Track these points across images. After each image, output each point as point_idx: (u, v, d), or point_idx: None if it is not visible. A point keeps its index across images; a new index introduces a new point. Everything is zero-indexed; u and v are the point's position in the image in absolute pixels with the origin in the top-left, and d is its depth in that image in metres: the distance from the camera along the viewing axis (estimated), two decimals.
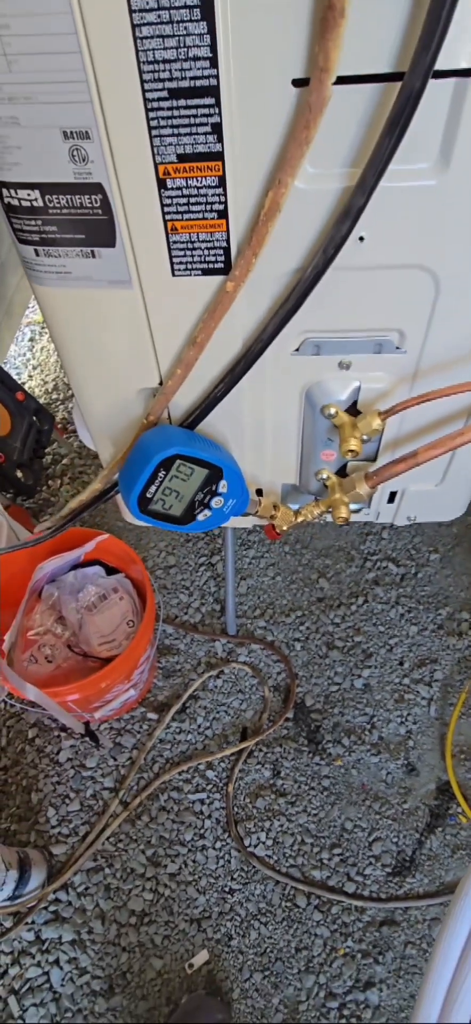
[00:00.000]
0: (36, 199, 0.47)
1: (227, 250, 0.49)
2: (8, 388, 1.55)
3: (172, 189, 0.45)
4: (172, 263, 0.50)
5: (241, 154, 0.43)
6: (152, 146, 0.43)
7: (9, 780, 1.21)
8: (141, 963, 1.03)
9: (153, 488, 0.59)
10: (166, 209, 0.46)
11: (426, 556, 1.46)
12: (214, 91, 0.40)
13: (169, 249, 0.49)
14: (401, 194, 0.44)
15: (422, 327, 0.54)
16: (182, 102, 0.40)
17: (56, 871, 1.10)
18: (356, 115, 0.41)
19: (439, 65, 0.36)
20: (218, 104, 0.40)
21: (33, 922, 1.06)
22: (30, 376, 1.91)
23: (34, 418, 1.60)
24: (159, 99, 0.40)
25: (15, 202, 0.47)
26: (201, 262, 0.50)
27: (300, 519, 0.72)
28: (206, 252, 0.49)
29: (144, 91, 0.40)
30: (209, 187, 0.45)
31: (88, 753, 1.22)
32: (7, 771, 1.22)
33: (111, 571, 1.27)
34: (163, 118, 0.41)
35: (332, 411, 0.62)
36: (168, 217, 0.47)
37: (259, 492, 0.76)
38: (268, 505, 0.72)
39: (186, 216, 0.47)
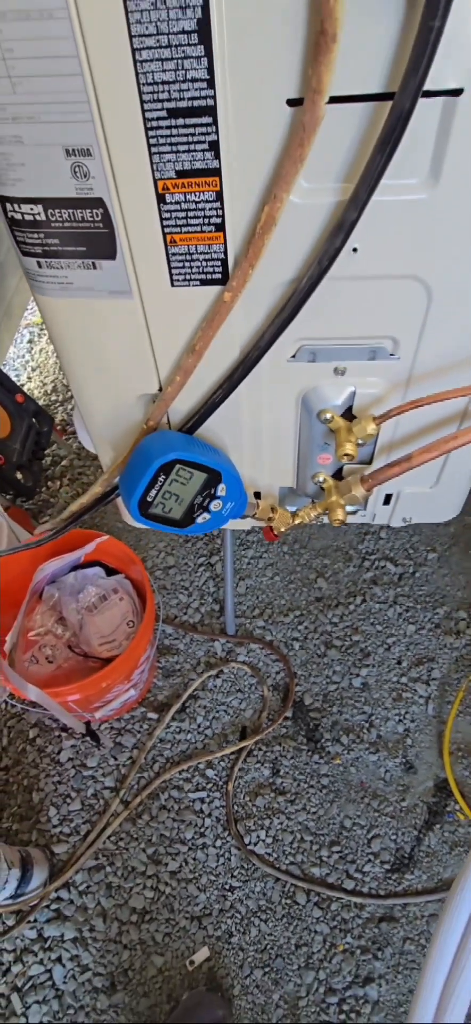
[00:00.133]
0: (39, 213, 0.48)
1: (224, 261, 0.50)
2: (7, 390, 1.56)
3: (171, 203, 0.47)
4: (171, 274, 0.51)
5: (238, 170, 0.44)
6: (151, 163, 0.44)
7: (11, 780, 1.21)
8: (142, 960, 1.04)
9: (153, 492, 0.61)
10: (165, 223, 0.48)
11: (424, 555, 1.47)
12: (211, 111, 0.41)
13: (168, 261, 0.50)
14: (393, 208, 0.46)
15: (415, 335, 0.56)
16: (180, 121, 0.42)
17: (58, 870, 1.11)
18: (349, 133, 0.42)
19: (428, 85, 0.37)
20: (215, 123, 0.42)
21: (35, 920, 1.07)
22: (29, 378, 1.92)
23: (33, 420, 1.61)
24: (158, 118, 0.42)
25: (18, 216, 0.49)
26: (199, 273, 0.51)
27: (297, 521, 0.73)
28: (204, 263, 0.50)
29: (144, 111, 0.41)
30: (207, 202, 0.46)
31: (89, 753, 1.23)
32: (8, 771, 1.22)
33: (111, 572, 1.28)
34: (162, 136, 0.43)
35: (328, 416, 0.63)
36: (167, 230, 0.48)
37: (257, 495, 0.77)
38: (266, 507, 0.73)
39: (185, 229, 0.48)
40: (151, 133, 0.43)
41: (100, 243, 0.49)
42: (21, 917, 1.07)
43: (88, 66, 0.39)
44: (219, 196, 0.46)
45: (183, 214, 0.47)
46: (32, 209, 0.48)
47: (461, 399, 0.60)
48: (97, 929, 1.06)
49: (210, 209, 0.47)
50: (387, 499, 0.78)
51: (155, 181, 0.45)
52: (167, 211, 0.47)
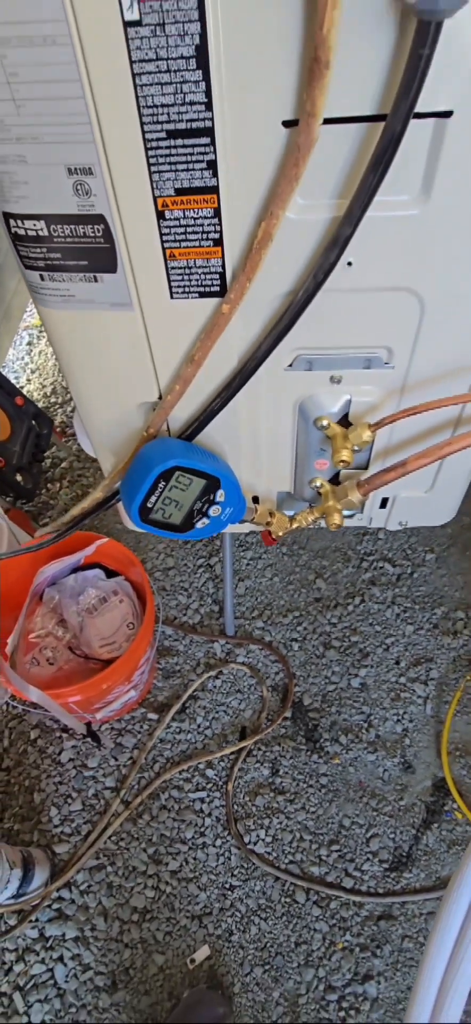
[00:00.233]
0: (41, 229, 0.49)
1: (222, 275, 0.51)
2: (7, 393, 1.56)
3: (170, 220, 0.48)
4: (170, 287, 0.53)
5: (235, 188, 0.46)
6: (151, 181, 0.45)
7: (12, 781, 1.22)
8: (143, 959, 1.05)
9: (153, 498, 0.62)
10: (165, 238, 0.49)
11: (422, 556, 1.48)
12: (209, 132, 0.42)
13: (167, 274, 0.52)
14: (386, 223, 0.47)
15: (409, 344, 0.57)
16: (179, 142, 0.43)
17: (59, 869, 1.12)
18: (343, 152, 0.44)
19: (419, 107, 0.38)
20: (213, 143, 0.43)
21: (37, 920, 1.08)
22: (28, 380, 1.92)
23: (33, 422, 1.61)
24: (158, 139, 0.43)
25: (21, 231, 0.50)
26: (198, 286, 0.52)
27: (295, 525, 0.74)
28: (203, 277, 0.51)
29: (144, 132, 0.43)
30: (205, 218, 0.47)
31: (90, 753, 1.24)
32: (10, 772, 1.23)
33: (111, 574, 1.29)
34: (161, 156, 0.44)
35: (324, 423, 0.64)
36: (166, 245, 0.49)
37: (255, 500, 0.78)
38: (264, 512, 0.74)
39: (183, 244, 0.49)
40: (151, 153, 0.44)
41: (101, 257, 0.51)
42: (23, 917, 1.08)
43: (90, 89, 0.41)
44: (217, 212, 0.47)
45: (182, 230, 0.48)
46: (35, 225, 0.49)
47: (454, 407, 0.61)
48: (98, 928, 1.07)
49: (208, 225, 0.48)
50: (383, 503, 0.79)
51: (155, 198, 0.46)
52: (166, 227, 0.48)
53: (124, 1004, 1.02)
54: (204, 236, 0.49)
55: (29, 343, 2.03)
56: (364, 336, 0.57)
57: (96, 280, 0.52)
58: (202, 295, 0.53)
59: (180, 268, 0.51)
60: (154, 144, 0.43)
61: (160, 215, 0.48)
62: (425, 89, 0.37)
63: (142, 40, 0.38)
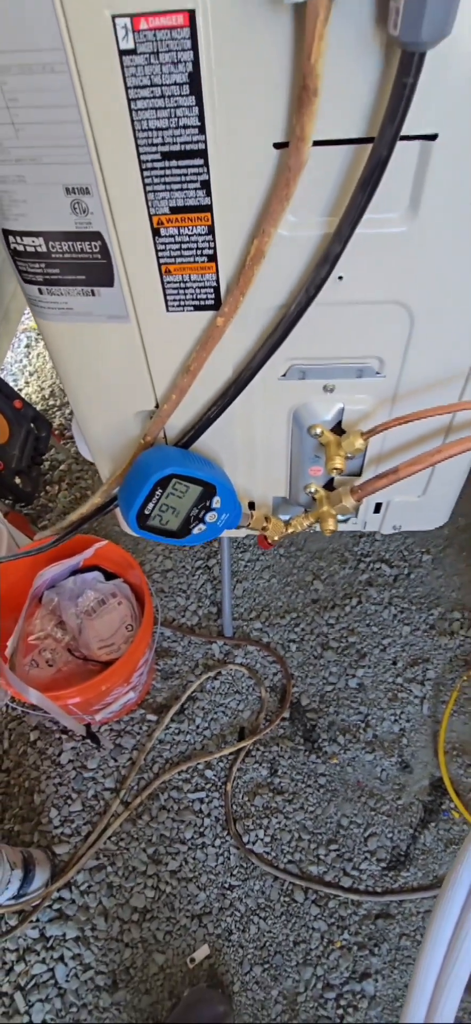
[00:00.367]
0: (40, 245, 0.51)
1: (217, 289, 0.52)
2: (6, 396, 1.56)
3: (165, 237, 0.49)
4: (166, 300, 0.54)
5: (228, 207, 0.47)
6: (147, 200, 0.47)
7: (12, 782, 1.23)
8: (144, 958, 1.05)
9: (151, 505, 0.63)
10: (160, 254, 0.50)
11: (418, 557, 1.48)
12: (202, 154, 0.44)
13: (163, 288, 0.53)
14: (375, 239, 0.48)
15: (399, 355, 0.58)
16: (174, 163, 0.44)
17: (59, 870, 1.12)
18: (332, 173, 0.45)
19: (405, 131, 0.40)
20: (206, 164, 0.44)
21: (38, 920, 1.08)
22: (27, 382, 1.92)
23: (32, 425, 1.60)
24: (153, 161, 0.44)
25: (20, 248, 0.51)
26: (193, 300, 0.53)
27: (290, 530, 0.75)
28: (197, 291, 0.53)
29: (139, 154, 0.44)
30: (199, 235, 0.49)
31: (89, 754, 1.24)
32: (10, 773, 1.24)
33: (109, 576, 1.29)
34: (156, 176, 0.45)
35: (318, 431, 0.65)
36: (162, 261, 0.51)
37: (251, 505, 0.79)
38: (260, 517, 0.75)
39: (178, 260, 0.51)
40: (146, 174, 0.45)
41: (98, 272, 0.52)
42: (23, 917, 1.08)
43: (87, 114, 0.42)
44: (211, 230, 0.48)
45: (177, 246, 0.50)
46: (34, 242, 0.50)
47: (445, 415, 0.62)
48: (99, 928, 1.08)
49: (203, 242, 0.49)
50: (377, 508, 0.80)
51: (150, 217, 0.48)
52: (162, 243, 0.50)
53: (125, 1003, 1.02)
54: (199, 252, 0.50)
55: (27, 345, 2.03)
56: (356, 347, 0.58)
57: (94, 294, 0.54)
58: (197, 308, 0.54)
59: (175, 283, 0.52)
60: (149, 165, 0.44)
61: (156, 232, 0.49)
62: (411, 113, 0.39)
63: (137, 68, 0.40)
